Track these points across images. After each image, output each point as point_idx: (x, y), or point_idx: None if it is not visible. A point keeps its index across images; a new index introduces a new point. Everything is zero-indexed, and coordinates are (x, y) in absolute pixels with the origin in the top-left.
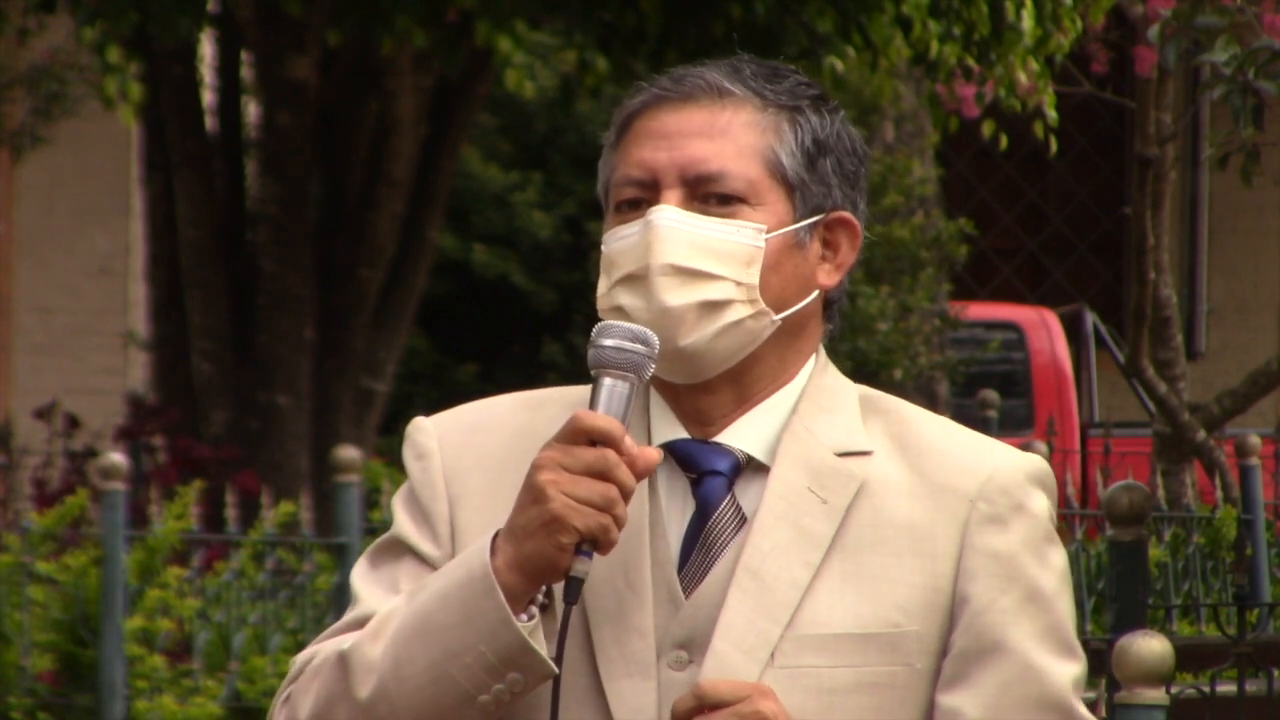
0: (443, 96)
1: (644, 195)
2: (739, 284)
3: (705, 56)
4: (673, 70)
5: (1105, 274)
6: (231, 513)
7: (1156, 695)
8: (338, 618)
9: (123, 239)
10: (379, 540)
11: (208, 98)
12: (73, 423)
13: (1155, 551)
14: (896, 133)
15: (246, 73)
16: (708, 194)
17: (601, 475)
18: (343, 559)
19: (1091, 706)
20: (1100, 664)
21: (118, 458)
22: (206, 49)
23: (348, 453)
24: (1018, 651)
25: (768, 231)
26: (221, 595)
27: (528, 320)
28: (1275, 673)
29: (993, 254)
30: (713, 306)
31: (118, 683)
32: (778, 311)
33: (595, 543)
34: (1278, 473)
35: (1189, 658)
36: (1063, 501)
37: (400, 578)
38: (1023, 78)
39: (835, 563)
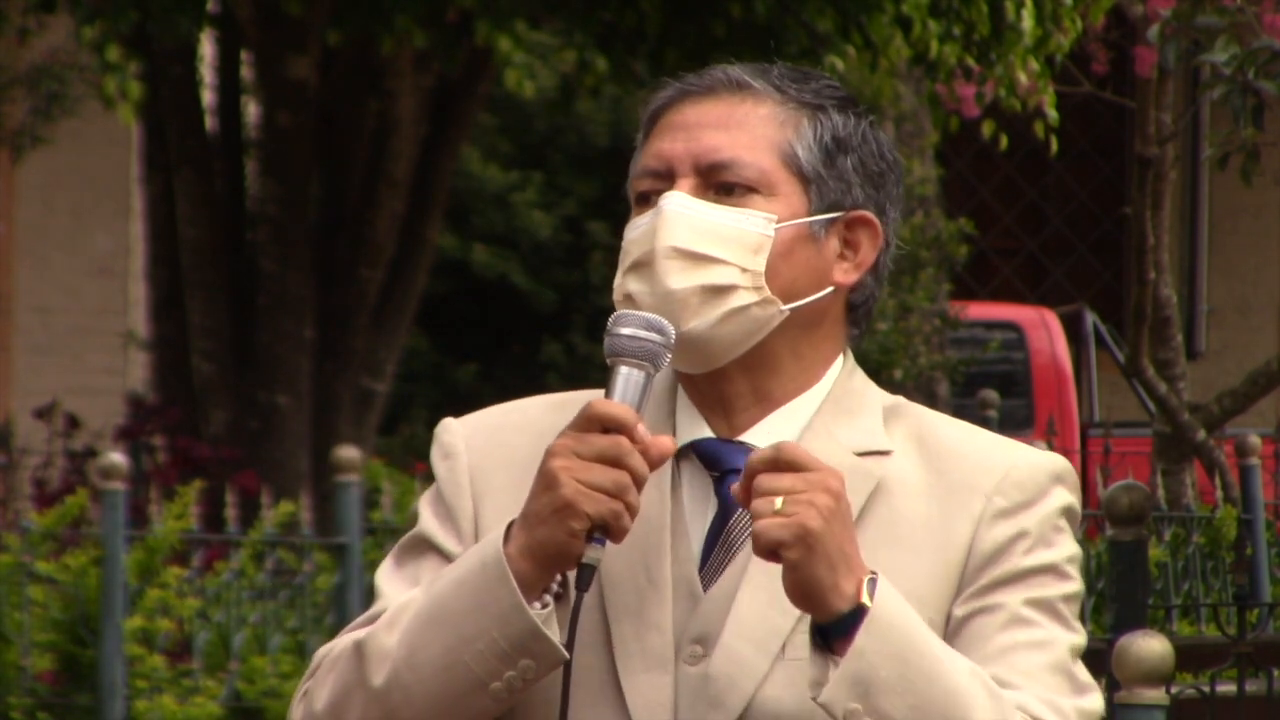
0: (443, 96)
1: (660, 186)
2: (744, 270)
3: (705, 56)
4: (708, 69)
5: (1105, 274)
6: (231, 513)
7: (1156, 695)
8: (337, 617)
9: (123, 239)
10: (404, 539)
11: (208, 98)
12: (73, 423)
13: (1155, 551)
14: (896, 133)
15: (246, 73)
16: (720, 183)
17: (614, 462)
18: (342, 559)
19: None
20: (1100, 664)
21: (118, 458)
22: (206, 49)
23: (348, 453)
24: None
25: (779, 221)
26: (221, 595)
27: (528, 320)
28: (1275, 673)
29: (993, 254)
30: (715, 291)
31: (118, 683)
32: (786, 302)
33: (607, 529)
34: (1278, 473)
35: (1189, 658)
36: None
37: (422, 574)
38: (1023, 78)
39: None
